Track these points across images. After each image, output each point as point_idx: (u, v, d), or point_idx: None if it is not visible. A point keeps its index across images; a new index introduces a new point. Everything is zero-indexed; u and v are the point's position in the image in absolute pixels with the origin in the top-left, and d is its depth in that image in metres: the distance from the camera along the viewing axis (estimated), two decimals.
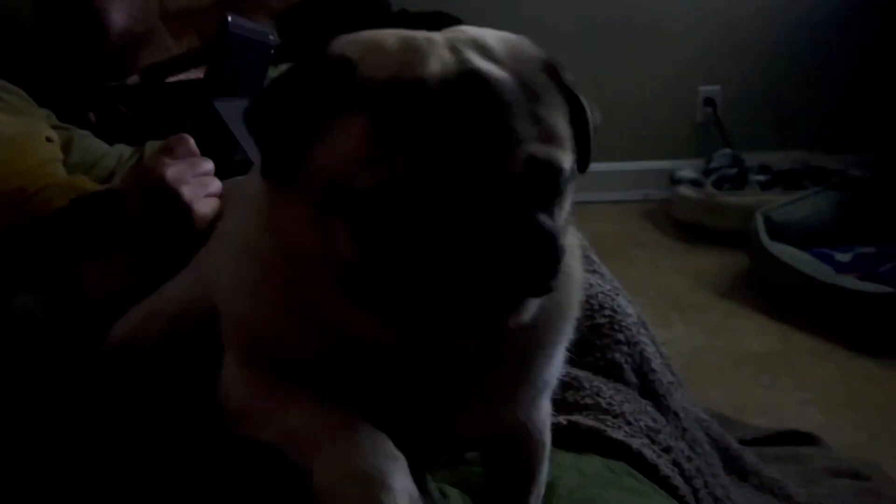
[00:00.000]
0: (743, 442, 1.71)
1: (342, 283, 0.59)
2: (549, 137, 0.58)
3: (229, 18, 1.07)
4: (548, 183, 0.58)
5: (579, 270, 0.71)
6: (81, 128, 1.51)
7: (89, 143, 1.44)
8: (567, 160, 0.59)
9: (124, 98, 1.82)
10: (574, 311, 0.70)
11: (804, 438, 1.80)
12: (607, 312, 1.10)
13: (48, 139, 1.31)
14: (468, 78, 0.57)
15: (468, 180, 0.54)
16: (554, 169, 0.57)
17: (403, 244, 0.54)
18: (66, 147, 1.37)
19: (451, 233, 0.54)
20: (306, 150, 0.58)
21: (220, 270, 0.73)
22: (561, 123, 0.60)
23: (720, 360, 2.18)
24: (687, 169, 3.12)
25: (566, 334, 0.70)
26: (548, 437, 0.79)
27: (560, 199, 0.60)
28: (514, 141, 0.55)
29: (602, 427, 0.91)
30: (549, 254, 0.57)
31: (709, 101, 3.29)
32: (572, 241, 0.67)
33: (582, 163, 0.63)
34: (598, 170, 3.58)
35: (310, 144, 0.58)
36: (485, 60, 0.58)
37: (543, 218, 0.56)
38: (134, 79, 1.87)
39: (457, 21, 2.83)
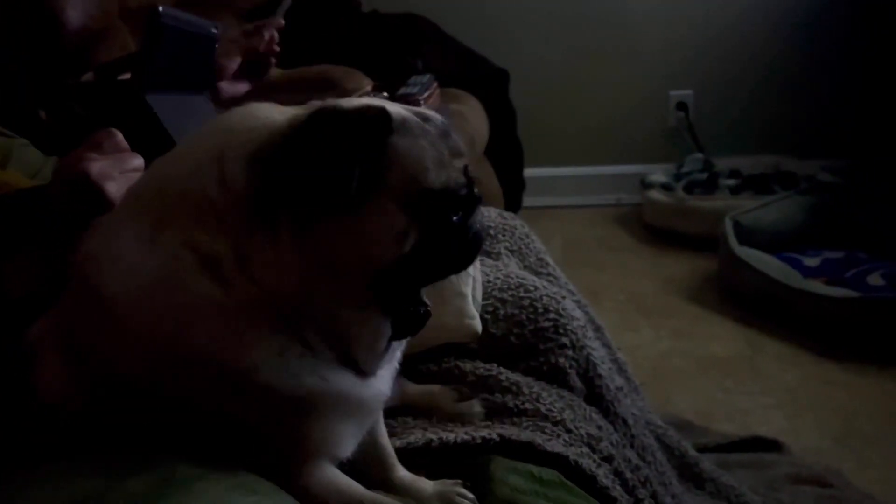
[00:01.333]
0: (706, 448, 1.69)
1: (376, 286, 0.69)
2: None
3: (160, 9, 1.03)
4: None
5: None
6: (30, 125, 1.46)
7: (29, 156, 1.40)
8: None
9: (77, 96, 1.78)
10: None
11: (768, 445, 1.78)
12: (552, 316, 1.07)
13: None
14: None
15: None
16: None
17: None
18: (4, 160, 1.33)
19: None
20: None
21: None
22: None
23: (686, 364, 2.16)
24: (658, 173, 3.12)
25: None
26: None
27: None
28: None
29: (537, 440, 0.88)
30: None
31: (681, 106, 3.28)
32: None
33: None
34: (570, 174, 3.57)
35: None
36: None
37: None
38: (89, 76, 1.83)
39: (428, 23, 2.78)
